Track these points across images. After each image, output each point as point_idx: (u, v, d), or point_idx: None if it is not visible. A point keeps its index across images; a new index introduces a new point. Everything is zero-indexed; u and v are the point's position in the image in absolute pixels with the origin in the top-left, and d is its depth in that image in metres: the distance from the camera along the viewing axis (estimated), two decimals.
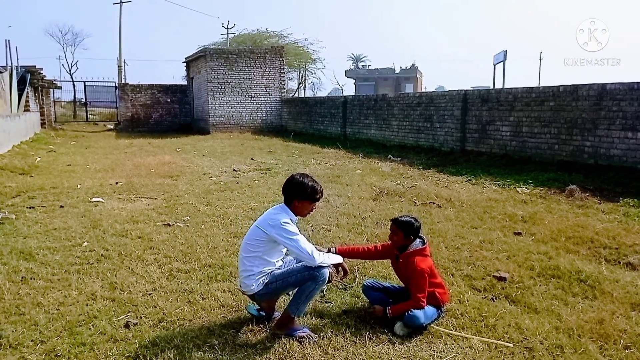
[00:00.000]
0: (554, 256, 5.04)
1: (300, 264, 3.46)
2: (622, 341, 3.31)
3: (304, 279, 3.37)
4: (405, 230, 3.64)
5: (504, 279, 4.41)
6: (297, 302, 3.40)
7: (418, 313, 3.44)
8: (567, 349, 3.21)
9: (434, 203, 7.61)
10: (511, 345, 3.28)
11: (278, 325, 3.47)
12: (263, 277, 3.45)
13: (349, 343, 3.32)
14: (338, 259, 3.51)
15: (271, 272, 3.48)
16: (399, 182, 9.71)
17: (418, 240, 3.70)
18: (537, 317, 3.70)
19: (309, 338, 3.35)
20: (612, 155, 9.30)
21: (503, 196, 8.12)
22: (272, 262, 3.49)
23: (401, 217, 3.75)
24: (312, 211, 3.60)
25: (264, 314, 3.64)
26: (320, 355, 3.18)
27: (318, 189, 3.50)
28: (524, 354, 3.19)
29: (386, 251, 3.87)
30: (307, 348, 3.24)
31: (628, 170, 8.82)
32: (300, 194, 3.44)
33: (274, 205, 3.67)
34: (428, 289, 3.57)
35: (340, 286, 4.27)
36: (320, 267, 3.37)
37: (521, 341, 3.35)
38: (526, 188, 8.69)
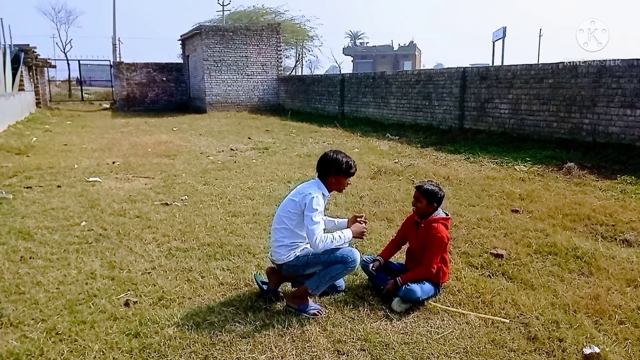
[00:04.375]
0: (551, 233, 5.07)
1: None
2: (617, 316, 3.35)
3: (336, 259, 3.40)
4: (429, 198, 3.68)
5: (501, 256, 4.44)
6: (320, 280, 3.43)
7: (415, 287, 3.48)
8: (563, 324, 3.25)
9: (431, 181, 7.60)
10: (507, 320, 3.32)
11: (292, 296, 3.50)
12: (295, 250, 3.51)
13: (347, 319, 3.36)
14: (348, 235, 3.47)
15: (303, 246, 3.54)
16: (396, 160, 9.70)
17: (441, 210, 3.75)
18: (534, 293, 3.74)
19: (320, 314, 3.40)
20: (610, 133, 9.28)
21: (501, 174, 8.13)
22: (303, 235, 3.52)
23: (426, 185, 3.78)
24: (347, 185, 3.65)
25: (266, 288, 3.67)
26: (318, 331, 3.21)
27: (352, 164, 3.56)
28: (520, 329, 3.23)
29: (405, 229, 3.93)
30: (305, 324, 3.27)
31: (626, 148, 8.82)
32: (336, 170, 3.50)
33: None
34: (438, 263, 3.62)
35: None
36: (354, 254, 3.41)
37: (517, 317, 3.39)
38: (524, 166, 8.69)
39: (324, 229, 3.48)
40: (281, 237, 3.51)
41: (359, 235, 3.56)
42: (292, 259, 3.51)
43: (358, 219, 3.66)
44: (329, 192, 3.58)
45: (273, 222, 3.67)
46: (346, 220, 3.80)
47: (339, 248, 3.43)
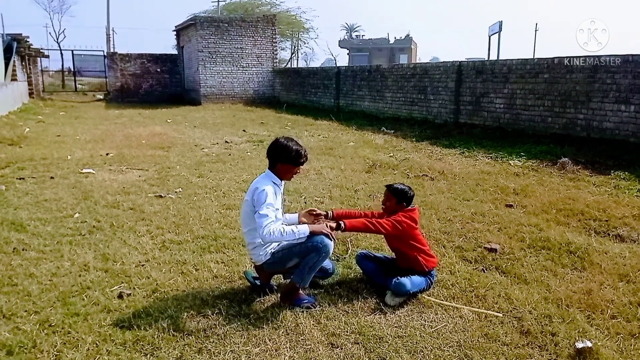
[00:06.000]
0: (545, 228, 5.10)
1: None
2: (609, 311, 3.38)
3: (308, 249, 3.37)
4: (398, 197, 3.68)
5: (495, 250, 4.46)
6: (302, 273, 3.42)
7: (404, 281, 3.49)
8: (556, 318, 3.27)
9: (426, 175, 7.63)
10: (501, 315, 3.34)
11: (283, 294, 3.50)
12: (269, 247, 3.50)
13: (341, 313, 3.36)
14: (303, 231, 3.32)
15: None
16: (392, 154, 9.70)
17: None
18: (527, 287, 3.76)
19: (314, 306, 3.41)
20: (604, 129, 9.31)
21: (495, 169, 8.15)
22: None
23: (396, 184, 3.78)
24: (296, 174, 3.57)
25: (259, 283, 3.67)
26: (312, 324, 3.22)
27: (302, 152, 3.47)
28: (513, 323, 3.25)
29: (381, 217, 3.89)
30: (299, 317, 3.27)
31: (620, 143, 8.86)
32: (283, 158, 3.42)
33: None
34: (412, 252, 3.63)
35: (333, 257, 4.30)
36: (324, 239, 3.36)
37: (510, 311, 3.40)
38: (519, 161, 8.72)
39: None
40: (252, 238, 3.49)
41: (320, 234, 3.36)
42: (269, 257, 3.50)
43: (312, 213, 3.67)
44: (281, 180, 3.52)
45: (241, 227, 3.65)
46: (297, 214, 3.78)
47: (310, 238, 3.35)
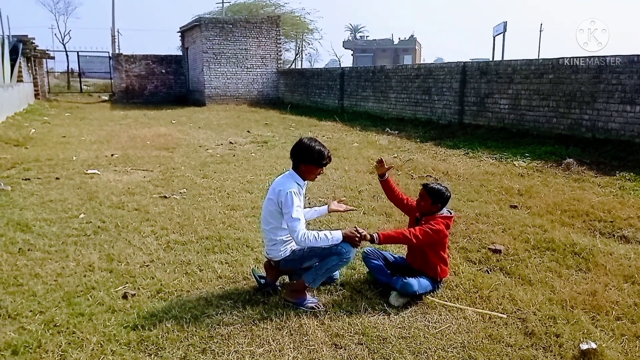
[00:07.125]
0: (549, 229, 5.08)
1: None
2: (614, 312, 3.36)
3: (331, 252, 3.37)
4: (434, 198, 3.65)
5: (499, 251, 4.45)
6: (316, 273, 3.42)
7: (412, 281, 3.49)
8: (560, 319, 3.26)
9: (430, 176, 7.62)
10: (505, 316, 3.33)
11: (290, 291, 3.50)
12: (290, 244, 3.51)
13: (345, 313, 3.36)
14: (336, 237, 3.35)
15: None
16: (396, 155, 9.69)
17: (445, 209, 3.73)
18: (531, 288, 3.75)
19: (318, 307, 3.40)
20: (609, 129, 9.27)
21: (500, 169, 8.13)
22: None
23: (432, 183, 3.76)
24: (319, 175, 3.58)
25: (264, 281, 3.67)
26: (316, 325, 3.22)
27: (325, 154, 3.46)
28: (517, 324, 3.24)
29: (411, 209, 3.90)
30: (303, 318, 3.28)
31: (625, 144, 8.82)
32: (306, 158, 3.42)
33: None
34: (434, 259, 3.61)
35: None
36: (349, 247, 3.37)
37: (515, 312, 3.39)
38: (523, 161, 8.69)
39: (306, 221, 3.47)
40: (273, 235, 3.49)
41: (350, 242, 3.37)
42: (288, 253, 3.51)
43: (342, 200, 3.89)
44: (304, 180, 3.52)
45: (261, 224, 3.65)
46: (326, 206, 3.85)
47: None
